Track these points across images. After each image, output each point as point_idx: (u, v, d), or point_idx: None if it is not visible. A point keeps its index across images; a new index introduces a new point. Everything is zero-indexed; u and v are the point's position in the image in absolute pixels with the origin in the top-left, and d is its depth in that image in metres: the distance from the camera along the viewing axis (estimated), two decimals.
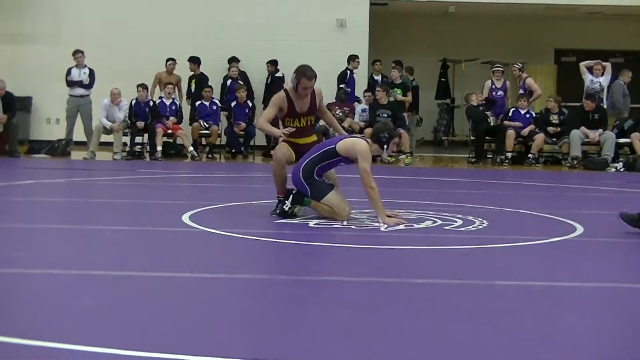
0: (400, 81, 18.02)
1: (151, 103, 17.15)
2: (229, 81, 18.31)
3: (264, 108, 18.39)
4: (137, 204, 9.69)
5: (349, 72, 18.40)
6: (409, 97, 18.02)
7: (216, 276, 5.60)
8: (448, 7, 20.35)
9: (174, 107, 17.46)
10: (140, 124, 16.81)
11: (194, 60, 18.42)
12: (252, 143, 17.65)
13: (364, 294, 5.19)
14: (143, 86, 17.04)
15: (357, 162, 8.03)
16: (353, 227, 7.79)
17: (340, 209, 8.08)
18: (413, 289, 5.36)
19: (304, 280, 5.55)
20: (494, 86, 17.83)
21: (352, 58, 18.44)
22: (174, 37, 19.00)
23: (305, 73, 8.40)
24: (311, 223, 7.92)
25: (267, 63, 18.65)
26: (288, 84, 8.50)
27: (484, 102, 17.31)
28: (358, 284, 5.47)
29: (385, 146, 8.23)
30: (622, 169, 15.88)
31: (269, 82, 18.67)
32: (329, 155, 8.13)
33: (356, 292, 5.25)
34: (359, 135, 8.62)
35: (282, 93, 8.50)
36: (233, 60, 18.66)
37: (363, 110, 17.16)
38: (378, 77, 18.57)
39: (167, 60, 18.10)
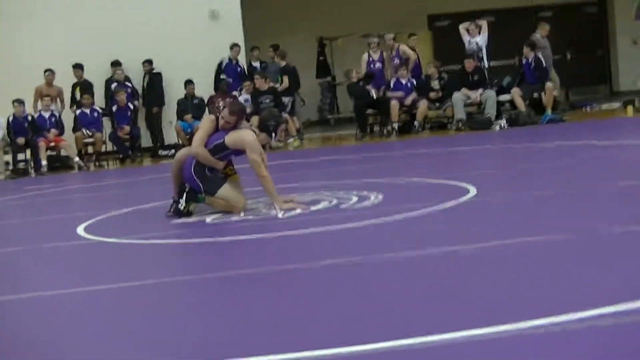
0: (285, 63, 18.08)
1: (29, 117, 16.76)
2: (113, 85, 18.00)
3: (148, 108, 18.23)
4: (29, 222, 9.46)
5: (226, 61, 18.29)
6: (285, 83, 17.97)
7: (120, 285, 5.50)
8: None
9: (53, 119, 17.11)
10: (21, 140, 16.42)
11: (79, 67, 18.07)
12: (137, 145, 17.44)
13: (272, 284, 5.17)
14: (19, 101, 16.65)
15: (244, 153, 8.02)
16: (250, 217, 7.76)
17: (235, 201, 8.05)
18: (320, 272, 5.36)
19: (210, 278, 5.50)
20: (371, 59, 17.95)
21: (232, 47, 18.35)
22: (51, 46, 18.55)
23: (238, 113, 8.28)
24: (208, 219, 7.86)
25: (144, 62, 18.44)
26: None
27: (362, 77, 17.42)
28: (264, 274, 5.45)
29: (274, 134, 8.26)
30: (506, 126, 16.20)
31: (147, 81, 18.47)
32: (219, 149, 8.08)
33: (265, 282, 5.22)
34: (247, 125, 8.52)
35: (207, 120, 8.43)
36: (116, 64, 18.38)
37: (246, 100, 17.09)
38: (256, 64, 18.53)
39: (45, 71, 17.71)
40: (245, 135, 8.06)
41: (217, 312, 4.62)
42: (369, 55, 17.99)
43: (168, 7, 19.04)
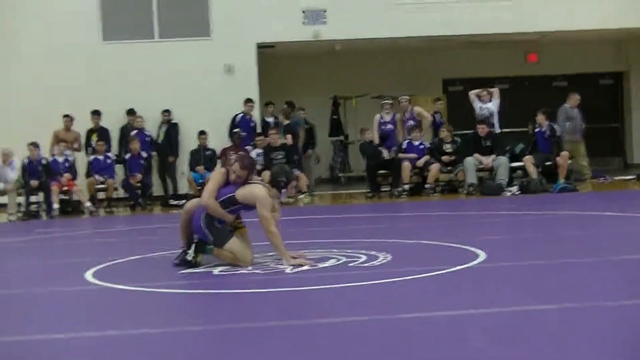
0: (288, 122, 18.16)
1: (44, 161, 16.86)
2: (133, 132, 18.11)
3: (163, 157, 18.34)
4: (37, 265, 9.47)
5: (240, 115, 18.41)
6: (288, 139, 18.00)
7: (124, 333, 5.50)
8: (334, 45, 20.57)
9: (67, 164, 17.19)
10: (35, 183, 16.50)
11: (96, 113, 18.24)
12: (149, 193, 17.51)
13: (277, 339, 5.16)
14: (34, 144, 16.76)
15: (254, 209, 8.06)
16: (258, 271, 7.76)
17: (242, 255, 8.06)
18: (325, 329, 5.35)
19: (215, 330, 5.49)
20: (382, 120, 18.02)
21: (246, 102, 18.49)
22: (64, 92, 18.73)
23: (250, 167, 8.36)
24: (216, 271, 7.86)
25: (163, 112, 18.61)
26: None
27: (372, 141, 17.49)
28: (270, 329, 5.44)
29: (284, 190, 8.31)
30: (517, 192, 16.20)
31: (164, 130, 18.63)
32: (230, 203, 8.11)
33: (270, 337, 5.21)
34: (258, 180, 8.54)
35: (218, 173, 8.47)
36: (131, 112, 18.54)
37: (258, 155, 17.15)
38: (270, 119, 18.64)
39: (64, 116, 17.87)
40: (256, 191, 8.09)
41: None
42: (381, 117, 18.06)
43: (185, 59, 19.22)
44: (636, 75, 23.41)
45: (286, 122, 18.36)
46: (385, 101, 18.27)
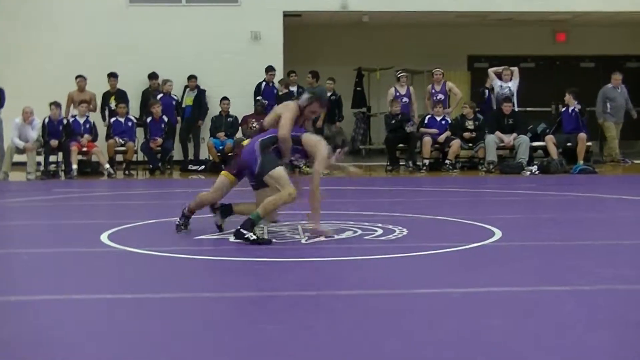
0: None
1: (65, 121, 16.91)
2: (159, 96, 18.12)
3: (188, 123, 18.33)
4: (54, 225, 9.52)
5: (264, 83, 18.42)
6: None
7: (139, 296, 5.52)
8: (362, 16, 20.49)
9: (88, 125, 17.24)
10: (54, 143, 16.56)
11: (113, 76, 18.27)
12: (169, 158, 17.54)
13: (290, 309, 5.17)
14: (56, 104, 16.80)
15: (310, 159, 7.98)
16: (274, 240, 7.75)
17: (287, 185, 7.68)
18: (338, 300, 5.35)
19: (229, 297, 5.51)
20: (398, 93, 17.92)
21: (268, 70, 18.49)
22: (87, 55, 18.80)
23: (321, 99, 8.13)
24: (231, 238, 7.86)
25: (190, 77, 18.62)
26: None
27: (398, 114, 17.37)
28: (284, 298, 5.45)
29: (338, 150, 8.14)
30: (537, 172, 16.15)
31: (193, 96, 18.64)
32: (293, 142, 7.92)
33: (283, 307, 5.22)
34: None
35: (295, 105, 8.08)
36: (153, 76, 18.57)
37: None
38: (294, 89, 18.59)
39: (76, 77, 17.89)
40: (322, 144, 7.93)
41: (230, 333, 4.62)
42: (396, 90, 17.95)
43: (211, 25, 19.21)
44: None
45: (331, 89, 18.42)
46: (402, 74, 18.18)
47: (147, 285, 5.96)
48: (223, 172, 8.35)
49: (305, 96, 8.01)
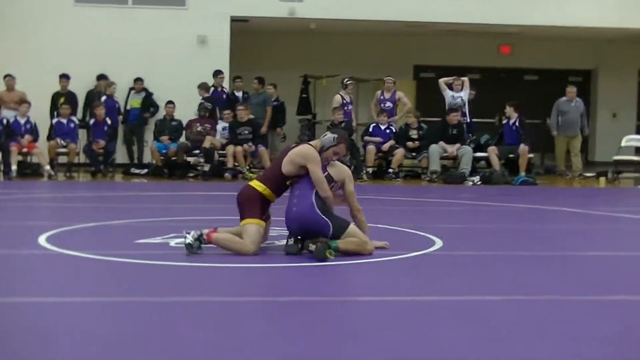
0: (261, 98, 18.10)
1: (4, 121, 16.67)
2: (103, 98, 17.92)
3: (133, 126, 18.17)
4: None
5: (212, 88, 18.32)
6: (269, 113, 18.03)
7: (73, 300, 5.45)
8: (309, 23, 20.49)
9: (29, 125, 16.99)
10: None
11: (65, 77, 18.04)
12: (111, 161, 17.36)
13: (230, 314, 5.14)
14: None
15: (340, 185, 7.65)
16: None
17: (366, 239, 7.39)
18: (277, 307, 5.34)
19: (163, 302, 5.46)
20: (344, 101, 17.92)
21: (216, 74, 18.39)
22: (37, 54, 18.56)
23: (347, 141, 7.73)
24: (172, 242, 7.81)
25: (136, 80, 18.46)
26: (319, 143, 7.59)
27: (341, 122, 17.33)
28: (222, 303, 5.42)
29: (333, 146, 7.55)
30: (479, 182, 16.28)
31: (142, 98, 18.48)
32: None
33: (221, 312, 5.19)
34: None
35: (315, 153, 7.49)
36: (102, 77, 18.39)
37: (224, 129, 17.05)
38: (239, 94, 18.54)
39: (5, 77, 17.63)
40: (344, 167, 7.71)
41: (155, 340, 4.58)
42: (342, 98, 17.92)
43: (157, 28, 19.08)
44: (604, 74, 23.57)
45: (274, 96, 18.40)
46: (349, 81, 18.18)
47: (82, 289, 5.89)
48: (255, 220, 7.42)
49: (329, 137, 7.55)
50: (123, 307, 5.32)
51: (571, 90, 18.49)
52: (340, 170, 7.69)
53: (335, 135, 7.58)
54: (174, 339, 4.50)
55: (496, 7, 19.65)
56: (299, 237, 7.38)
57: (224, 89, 18.54)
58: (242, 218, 7.41)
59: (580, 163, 18.43)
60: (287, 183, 7.52)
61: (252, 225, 7.31)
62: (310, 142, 7.70)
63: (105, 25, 19.01)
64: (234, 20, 19.56)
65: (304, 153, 7.44)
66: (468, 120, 17.80)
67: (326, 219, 7.27)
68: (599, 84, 23.67)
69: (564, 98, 18.41)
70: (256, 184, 7.50)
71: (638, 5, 19.61)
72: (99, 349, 4.32)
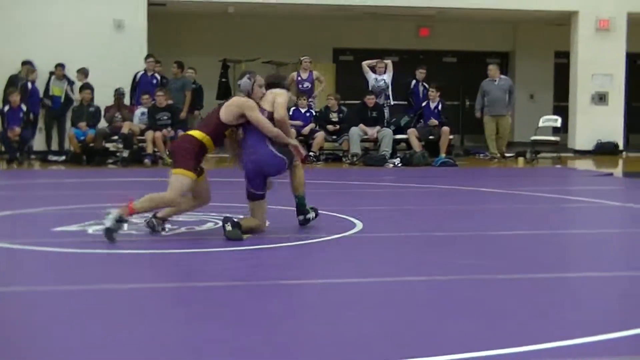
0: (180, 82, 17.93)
1: None
2: (29, 84, 17.54)
3: (55, 113, 17.83)
4: None
5: (141, 72, 17.99)
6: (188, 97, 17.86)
7: None
8: (227, 7, 20.35)
9: None
10: None
11: None
12: (27, 148, 17.01)
13: (146, 301, 5.09)
14: None
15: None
16: (134, 232, 7.62)
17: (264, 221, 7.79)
18: (195, 292, 5.30)
19: (85, 290, 5.38)
20: (299, 78, 17.75)
21: (146, 58, 18.10)
22: None
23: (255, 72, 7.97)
24: (90, 230, 7.69)
25: (57, 66, 18.09)
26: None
27: None
28: (140, 290, 5.36)
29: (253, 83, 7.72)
30: (399, 164, 16.36)
31: (66, 85, 18.15)
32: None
33: (138, 299, 5.14)
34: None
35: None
36: (27, 63, 17.96)
37: (142, 114, 16.83)
38: (158, 78, 18.31)
39: None
40: (270, 91, 7.85)
41: (80, 326, 4.52)
42: (298, 74, 17.88)
43: (72, 12, 18.74)
44: (521, 56, 23.85)
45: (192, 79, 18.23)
46: (305, 57, 17.98)
47: (3, 278, 5.78)
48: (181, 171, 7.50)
49: (244, 81, 7.73)
50: (38, 296, 5.23)
51: (492, 68, 18.40)
52: (269, 96, 7.76)
53: (247, 75, 7.80)
54: (88, 327, 4.43)
55: None
56: (235, 220, 7.42)
57: (155, 73, 18.26)
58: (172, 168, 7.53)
59: (504, 145, 18.32)
60: (225, 133, 7.64)
61: (176, 176, 7.40)
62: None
63: (19, 11, 18.60)
64: (151, 4, 19.32)
65: (238, 102, 7.61)
66: (391, 103, 17.85)
67: (281, 155, 7.63)
68: (516, 65, 23.95)
69: (488, 78, 18.30)
70: (195, 133, 7.60)
71: None
72: (15, 338, 4.24)
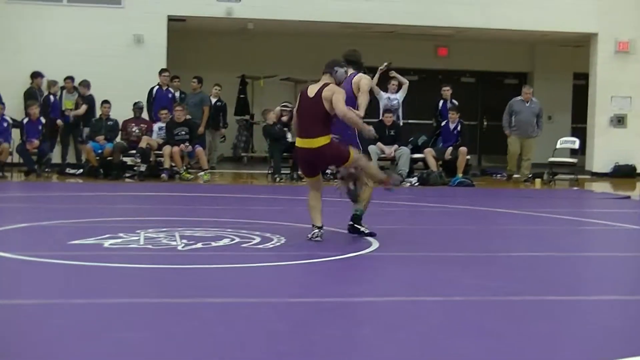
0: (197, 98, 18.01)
1: None
2: (51, 97, 17.62)
3: (71, 126, 17.91)
4: None
5: (157, 87, 18.07)
6: (206, 113, 17.94)
7: (6, 302, 5.36)
8: (247, 23, 20.42)
9: None
10: None
11: None
12: (46, 161, 17.07)
13: (161, 316, 5.09)
14: None
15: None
16: (150, 246, 7.64)
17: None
18: (209, 308, 5.30)
19: (99, 304, 5.39)
20: (285, 103, 17.90)
21: (161, 72, 18.16)
22: None
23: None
24: (106, 244, 7.71)
25: (66, 79, 18.19)
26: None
27: (281, 121, 17.28)
28: (155, 305, 5.37)
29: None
30: (416, 184, 16.34)
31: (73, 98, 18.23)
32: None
33: (153, 314, 5.14)
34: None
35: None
36: (35, 75, 18.06)
37: (160, 129, 16.88)
38: (176, 94, 18.37)
39: None
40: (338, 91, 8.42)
41: (89, 339, 4.53)
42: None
43: (93, 26, 18.84)
44: (539, 77, 23.82)
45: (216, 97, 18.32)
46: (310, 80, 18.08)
47: (19, 290, 5.79)
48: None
49: (340, 71, 8.60)
50: (53, 309, 5.24)
51: (527, 91, 18.11)
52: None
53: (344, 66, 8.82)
54: (101, 340, 4.44)
55: (431, 9, 19.73)
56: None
57: (169, 88, 18.32)
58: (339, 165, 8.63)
59: (529, 168, 17.94)
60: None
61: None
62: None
63: (39, 23, 18.72)
64: (171, 19, 19.41)
65: (334, 88, 8.35)
66: (400, 123, 17.83)
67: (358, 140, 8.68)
68: (534, 86, 23.90)
69: (518, 98, 18.10)
70: (326, 138, 8.25)
71: (573, 9, 19.84)
72: (33, 349, 4.25)
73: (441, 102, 18.19)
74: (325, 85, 8.29)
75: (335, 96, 8.09)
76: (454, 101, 18.00)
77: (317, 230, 8.22)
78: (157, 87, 18.04)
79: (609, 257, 8.19)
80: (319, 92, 8.22)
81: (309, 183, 8.68)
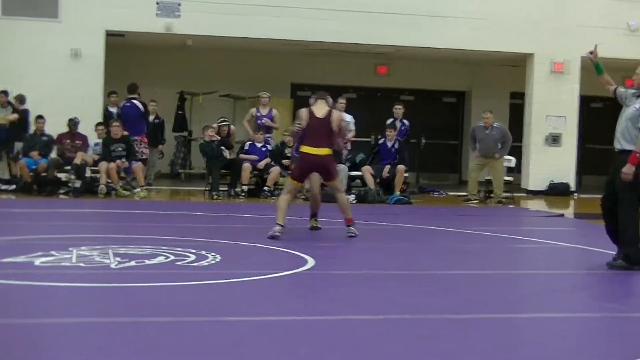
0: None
1: None
2: None
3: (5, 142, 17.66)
4: None
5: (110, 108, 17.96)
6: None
7: None
8: (186, 39, 20.32)
9: None
10: None
11: None
12: None
13: (90, 336, 5.00)
14: None
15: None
16: (82, 264, 7.52)
17: None
18: (142, 327, 5.22)
19: (28, 324, 5.28)
20: (259, 113, 17.83)
21: (110, 94, 18.18)
22: None
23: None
24: (37, 262, 7.58)
25: (0, 93, 17.91)
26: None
27: (218, 138, 17.19)
28: (84, 325, 5.27)
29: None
30: (354, 201, 16.35)
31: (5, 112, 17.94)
32: None
33: (81, 334, 5.05)
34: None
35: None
36: None
37: (96, 144, 16.69)
38: (113, 110, 18.21)
39: None
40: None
41: None
42: (258, 110, 17.89)
43: (29, 40, 18.60)
44: (477, 95, 24.05)
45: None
46: (264, 93, 18.08)
47: None
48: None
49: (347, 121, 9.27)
50: None
51: (486, 116, 17.50)
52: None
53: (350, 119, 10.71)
54: None
55: (371, 28, 19.82)
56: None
57: (115, 107, 18.15)
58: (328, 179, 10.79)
59: (500, 187, 17.30)
60: None
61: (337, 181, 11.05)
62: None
63: None
64: (110, 34, 19.25)
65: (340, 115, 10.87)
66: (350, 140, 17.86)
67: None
68: (472, 105, 24.15)
69: (480, 123, 17.68)
70: (326, 150, 10.32)
71: (510, 29, 20.06)
72: None
73: (390, 120, 18.20)
74: (331, 109, 10.43)
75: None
76: (405, 121, 18.03)
77: (278, 227, 9.78)
78: (107, 107, 18.02)
79: (542, 275, 8.26)
80: (329, 114, 10.27)
81: (291, 187, 10.53)
